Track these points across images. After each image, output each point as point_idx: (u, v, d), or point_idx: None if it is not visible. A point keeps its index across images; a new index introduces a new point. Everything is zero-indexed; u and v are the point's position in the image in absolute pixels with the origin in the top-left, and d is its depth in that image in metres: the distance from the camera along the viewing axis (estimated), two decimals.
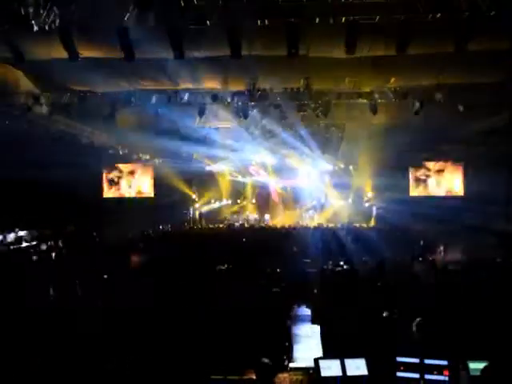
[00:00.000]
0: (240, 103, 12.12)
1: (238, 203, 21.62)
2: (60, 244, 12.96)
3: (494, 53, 8.62)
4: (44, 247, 12.44)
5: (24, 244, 13.09)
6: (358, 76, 10.65)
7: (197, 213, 20.60)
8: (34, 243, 13.17)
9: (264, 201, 21.56)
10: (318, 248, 10.61)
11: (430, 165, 17.70)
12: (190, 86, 11.43)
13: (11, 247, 12.51)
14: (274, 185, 21.44)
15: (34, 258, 10.66)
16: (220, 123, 15.09)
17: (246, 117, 12.54)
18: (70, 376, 3.58)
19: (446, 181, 17.58)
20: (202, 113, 12.37)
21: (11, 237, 13.23)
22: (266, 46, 8.51)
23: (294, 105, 12.36)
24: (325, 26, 7.57)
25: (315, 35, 8.00)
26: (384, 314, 4.97)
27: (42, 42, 8.17)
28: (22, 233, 13.58)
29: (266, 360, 3.44)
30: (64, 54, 7.98)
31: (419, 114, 11.60)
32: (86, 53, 8.33)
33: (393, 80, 11.03)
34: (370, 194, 19.59)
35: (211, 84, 11.39)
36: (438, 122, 13.08)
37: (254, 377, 3.45)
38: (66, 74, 10.19)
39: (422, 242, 12.82)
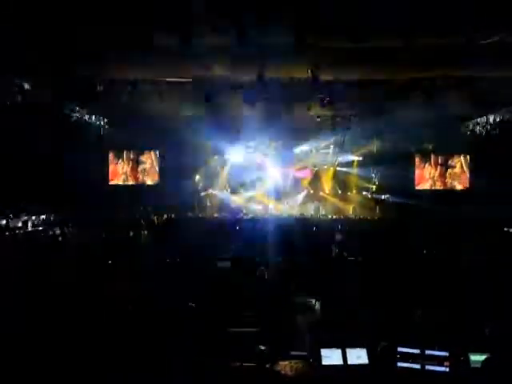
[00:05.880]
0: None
1: (240, 193, 21.44)
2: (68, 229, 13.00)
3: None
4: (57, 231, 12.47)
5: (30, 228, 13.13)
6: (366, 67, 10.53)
7: (204, 200, 20.51)
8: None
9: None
10: None
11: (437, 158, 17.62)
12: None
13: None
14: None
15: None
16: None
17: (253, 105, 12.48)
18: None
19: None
20: (208, 100, 12.36)
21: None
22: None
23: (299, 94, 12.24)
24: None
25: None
26: None
27: None
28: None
29: (262, 347, 3.46)
30: None
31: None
32: None
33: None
34: (374, 187, 19.51)
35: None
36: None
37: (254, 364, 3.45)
38: None
39: None
